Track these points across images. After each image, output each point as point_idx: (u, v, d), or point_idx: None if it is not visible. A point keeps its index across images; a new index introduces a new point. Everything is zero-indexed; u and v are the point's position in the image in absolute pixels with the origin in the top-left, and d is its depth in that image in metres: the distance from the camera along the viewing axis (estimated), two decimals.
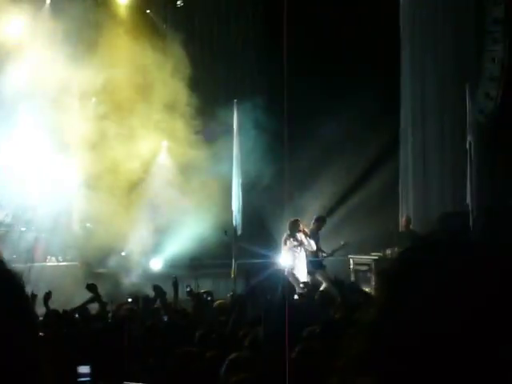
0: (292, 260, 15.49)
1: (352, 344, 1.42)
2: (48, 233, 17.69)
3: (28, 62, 17.68)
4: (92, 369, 5.09)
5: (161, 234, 18.78)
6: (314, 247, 15.75)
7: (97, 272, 17.38)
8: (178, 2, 19.90)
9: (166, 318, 8.97)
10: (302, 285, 13.48)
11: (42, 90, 17.70)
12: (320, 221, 16.40)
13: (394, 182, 17.60)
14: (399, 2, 17.40)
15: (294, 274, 14.83)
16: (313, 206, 18.33)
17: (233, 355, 5.12)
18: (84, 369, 5.16)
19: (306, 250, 15.71)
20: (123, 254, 18.83)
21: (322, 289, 13.21)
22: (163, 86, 18.90)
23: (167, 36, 19.89)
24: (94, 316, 8.82)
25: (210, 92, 19.33)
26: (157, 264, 18.62)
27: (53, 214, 17.84)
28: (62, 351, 5.55)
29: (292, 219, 15.87)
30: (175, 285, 10.44)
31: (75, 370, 5.11)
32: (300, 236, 15.66)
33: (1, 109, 17.65)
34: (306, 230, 15.89)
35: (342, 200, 18.60)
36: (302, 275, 15.20)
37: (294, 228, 15.67)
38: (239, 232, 17.53)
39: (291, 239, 15.65)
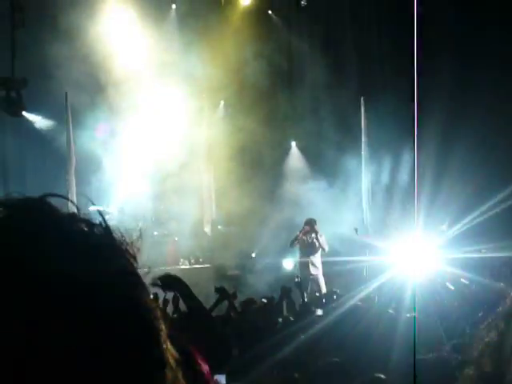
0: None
1: None
2: (181, 236, 17.95)
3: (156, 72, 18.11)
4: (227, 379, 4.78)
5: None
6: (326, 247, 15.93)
7: (229, 274, 17.50)
8: (302, 2, 19.79)
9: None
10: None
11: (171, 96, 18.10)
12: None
13: None
14: None
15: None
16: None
17: None
18: (221, 378, 4.81)
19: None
20: (253, 255, 18.92)
21: None
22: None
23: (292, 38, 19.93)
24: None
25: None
26: (289, 264, 18.54)
27: (186, 217, 18.12)
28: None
29: (307, 218, 16.14)
30: (299, 285, 10.36)
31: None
32: (312, 235, 15.96)
33: (135, 120, 18.18)
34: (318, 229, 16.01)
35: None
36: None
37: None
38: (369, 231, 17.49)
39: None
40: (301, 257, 15.97)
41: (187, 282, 15.06)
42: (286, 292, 9.91)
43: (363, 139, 18.77)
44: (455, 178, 18.01)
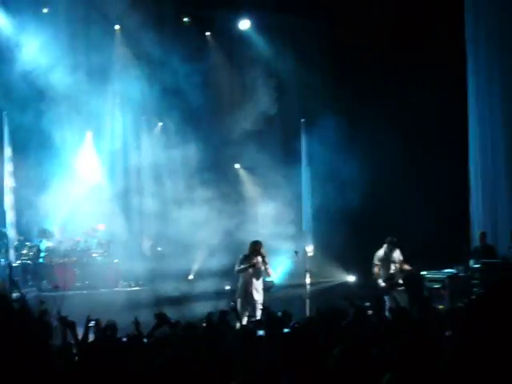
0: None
1: None
2: (121, 258, 17.91)
3: None
4: None
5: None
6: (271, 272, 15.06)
7: (168, 297, 17.49)
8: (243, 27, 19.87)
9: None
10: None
11: None
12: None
13: (463, 197, 17.34)
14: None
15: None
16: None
17: None
18: None
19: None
20: (191, 277, 18.98)
21: None
22: None
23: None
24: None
25: None
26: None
27: (126, 239, 18.12)
28: None
29: (253, 241, 15.16)
30: (235, 309, 10.37)
31: None
32: (258, 259, 14.83)
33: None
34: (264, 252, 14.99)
35: (410, 217, 18.37)
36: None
37: (253, 250, 14.88)
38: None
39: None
40: (245, 281, 14.86)
41: (127, 304, 15.00)
42: (223, 315, 9.91)
43: (303, 162, 19.10)
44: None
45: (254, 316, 13.76)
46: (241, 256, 14.97)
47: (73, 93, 17.75)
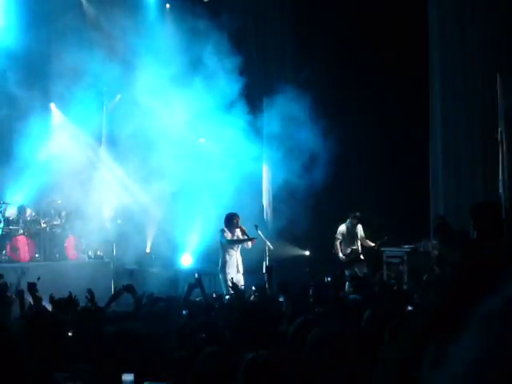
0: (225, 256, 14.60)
1: None
2: (81, 230, 17.81)
3: None
4: (136, 377, 4.74)
5: (190, 230, 18.80)
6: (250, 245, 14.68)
7: (127, 269, 17.50)
8: None
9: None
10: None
11: None
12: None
13: (424, 173, 17.42)
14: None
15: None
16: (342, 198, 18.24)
17: None
18: (128, 376, 4.77)
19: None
20: (148, 250, 18.97)
21: None
22: None
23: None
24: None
25: None
26: (187, 260, 18.64)
27: (86, 212, 18.01)
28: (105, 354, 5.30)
29: (229, 213, 15.01)
30: (200, 282, 10.31)
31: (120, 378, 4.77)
32: (237, 232, 14.74)
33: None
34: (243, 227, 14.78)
35: (372, 193, 18.46)
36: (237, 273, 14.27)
37: (231, 222, 14.70)
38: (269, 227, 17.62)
39: (228, 234, 14.66)
40: (229, 256, 14.57)
41: (86, 276, 14.98)
42: (190, 288, 9.85)
43: (264, 136, 19.09)
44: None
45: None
46: (222, 228, 14.76)
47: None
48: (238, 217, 14.77)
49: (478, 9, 16.27)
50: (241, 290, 9.98)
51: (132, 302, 8.83)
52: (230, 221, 14.69)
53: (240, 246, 14.72)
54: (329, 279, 14.37)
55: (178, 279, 16.80)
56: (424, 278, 12.73)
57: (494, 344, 1.33)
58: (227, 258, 14.60)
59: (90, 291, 8.56)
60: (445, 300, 2.24)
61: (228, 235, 14.60)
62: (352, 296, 8.86)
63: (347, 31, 18.24)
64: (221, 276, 14.64)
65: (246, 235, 14.68)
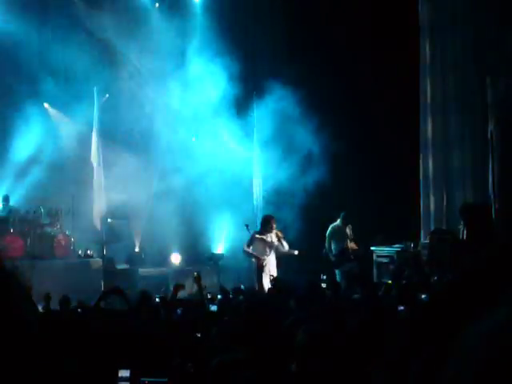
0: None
1: None
2: (71, 229, 17.78)
3: None
4: (132, 373, 4.75)
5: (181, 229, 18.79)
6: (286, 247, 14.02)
7: (118, 268, 17.46)
8: None
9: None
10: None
11: None
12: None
13: (414, 172, 17.41)
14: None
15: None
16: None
17: None
18: (124, 373, 4.79)
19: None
20: (137, 249, 18.97)
21: None
22: None
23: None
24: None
25: None
26: (176, 259, 18.64)
27: (76, 210, 17.99)
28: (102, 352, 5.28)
29: (266, 214, 14.58)
30: (198, 280, 10.24)
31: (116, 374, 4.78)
32: (271, 237, 13.84)
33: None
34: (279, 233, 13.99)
35: (362, 193, 18.45)
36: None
37: (267, 225, 13.88)
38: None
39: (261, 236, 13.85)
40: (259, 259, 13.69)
41: (76, 275, 14.94)
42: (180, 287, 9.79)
43: (255, 135, 19.07)
44: None
45: None
46: (252, 232, 14.00)
47: None
48: (273, 219, 14.06)
49: (469, 10, 16.32)
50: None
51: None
52: (267, 223, 13.95)
53: (272, 250, 13.85)
54: (324, 277, 14.43)
55: (167, 278, 16.76)
56: (405, 273, 12.80)
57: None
58: (254, 260, 13.92)
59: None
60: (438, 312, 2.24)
61: (257, 240, 13.80)
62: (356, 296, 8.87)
63: (337, 30, 18.21)
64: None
65: (281, 243, 13.93)
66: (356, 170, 18.45)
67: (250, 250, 13.78)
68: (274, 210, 18.15)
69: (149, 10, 19.70)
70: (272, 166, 18.70)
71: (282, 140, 18.53)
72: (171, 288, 10.10)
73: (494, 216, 14.45)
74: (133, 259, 18.33)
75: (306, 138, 17.86)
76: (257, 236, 13.79)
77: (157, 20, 19.35)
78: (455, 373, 1.37)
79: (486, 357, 1.33)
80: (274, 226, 13.85)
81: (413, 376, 2.09)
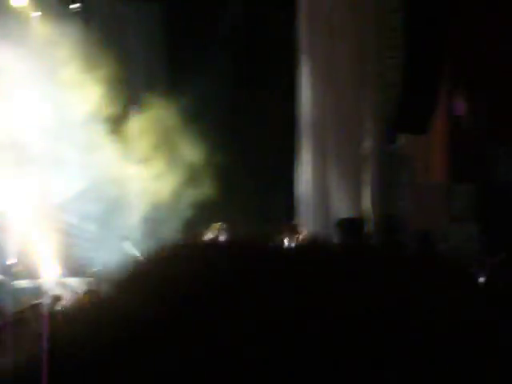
0: None
1: None
2: None
3: None
4: None
5: None
6: None
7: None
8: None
9: None
10: None
11: None
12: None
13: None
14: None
15: None
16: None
17: None
18: None
19: None
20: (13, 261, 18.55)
21: None
22: None
23: None
24: None
25: None
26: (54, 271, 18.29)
27: None
28: None
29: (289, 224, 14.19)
30: None
31: None
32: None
33: None
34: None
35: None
36: None
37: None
38: None
39: None
40: None
41: None
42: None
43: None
44: None
45: None
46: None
47: None
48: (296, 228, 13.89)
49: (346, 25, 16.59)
50: None
51: None
52: (290, 231, 13.42)
53: None
54: None
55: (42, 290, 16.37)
56: None
57: None
58: None
59: None
60: None
61: None
62: None
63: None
64: None
65: None
66: (240, 180, 18.41)
67: None
68: (154, 225, 18.01)
69: (24, 14, 19.28)
70: (152, 180, 18.53)
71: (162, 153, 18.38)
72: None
73: (367, 229, 14.66)
74: (7, 271, 17.85)
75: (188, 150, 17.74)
76: None
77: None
78: None
79: None
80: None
81: None
